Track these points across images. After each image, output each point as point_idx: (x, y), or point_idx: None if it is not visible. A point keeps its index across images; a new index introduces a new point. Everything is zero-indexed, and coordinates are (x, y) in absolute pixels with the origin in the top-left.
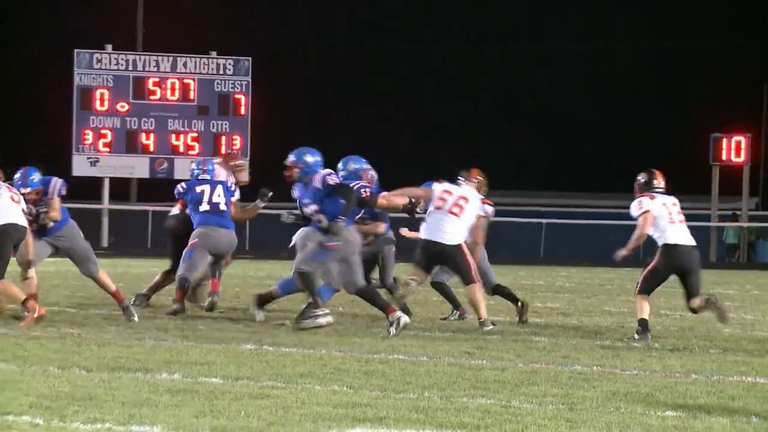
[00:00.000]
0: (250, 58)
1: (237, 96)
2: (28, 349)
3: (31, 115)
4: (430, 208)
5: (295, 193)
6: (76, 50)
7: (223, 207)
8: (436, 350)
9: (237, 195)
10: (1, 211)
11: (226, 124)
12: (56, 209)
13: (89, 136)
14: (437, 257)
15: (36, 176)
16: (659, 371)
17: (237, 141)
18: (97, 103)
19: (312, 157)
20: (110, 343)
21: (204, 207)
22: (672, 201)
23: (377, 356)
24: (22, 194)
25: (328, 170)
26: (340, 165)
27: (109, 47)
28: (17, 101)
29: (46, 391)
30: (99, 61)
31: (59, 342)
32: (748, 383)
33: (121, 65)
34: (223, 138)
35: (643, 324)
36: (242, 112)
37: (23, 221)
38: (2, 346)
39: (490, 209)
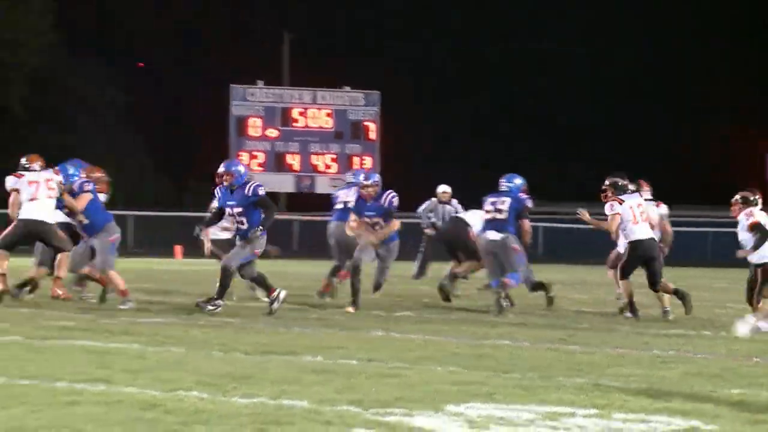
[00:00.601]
0: (379, 92)
1: (366, 123)
2: (195, 335)
3: (187, 140)
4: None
5: (215, 202)
6: (231, 85)
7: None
8: (536, 337)
9: None
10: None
11: (358, 147)
12: (76, 204)
13: (244, 157)
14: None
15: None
16: (725, 355)
17: (368, 161)
18: (251, 129)
19: (242, 168)
20: (262, 330)
21: (338, 206)
22: (637, 202)
23: (486, 342)
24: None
25: (258, 182)
26: (504, 179)
27: (261, 83)
28: (176, 129)
29: (209, 371)
30: (252, 94)
31: (220, 329)
32: None
33: (270, 98)
34: (355, 159)
35: (631, 305)
36: (371, 137)
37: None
38: (172, 332)
39: (664, 208)
